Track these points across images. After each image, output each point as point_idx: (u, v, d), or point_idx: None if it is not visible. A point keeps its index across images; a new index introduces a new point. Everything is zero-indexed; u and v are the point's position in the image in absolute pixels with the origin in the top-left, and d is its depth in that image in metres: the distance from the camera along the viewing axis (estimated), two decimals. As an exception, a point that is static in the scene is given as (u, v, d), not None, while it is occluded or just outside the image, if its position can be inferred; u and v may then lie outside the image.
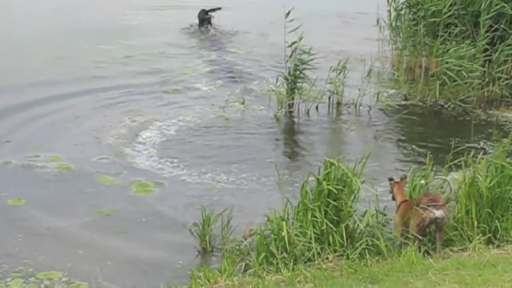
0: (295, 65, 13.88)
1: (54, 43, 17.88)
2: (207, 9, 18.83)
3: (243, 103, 14.28)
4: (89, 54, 17.11)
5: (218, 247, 9.16)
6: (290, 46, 13.70)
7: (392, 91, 14.94)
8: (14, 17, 20.27)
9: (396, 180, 9.18)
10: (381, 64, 16.50)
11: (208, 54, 17.53)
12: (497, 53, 15.12)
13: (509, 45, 15.14)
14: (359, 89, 14.11)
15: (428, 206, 8.49)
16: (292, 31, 13.58)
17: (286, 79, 13.99)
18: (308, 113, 13.99)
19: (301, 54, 13.82)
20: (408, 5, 16.36)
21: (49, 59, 16.63)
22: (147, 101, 14.42)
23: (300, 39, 13.61)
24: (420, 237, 8.55)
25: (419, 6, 16.02)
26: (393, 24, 16.63)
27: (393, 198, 9.16)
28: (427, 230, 8.77)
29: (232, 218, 9.29)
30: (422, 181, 9.39)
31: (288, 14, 13.43)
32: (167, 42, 18.50)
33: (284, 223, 8.55)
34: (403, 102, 14.55)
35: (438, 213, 8.50)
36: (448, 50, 14.76)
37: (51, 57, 16.76)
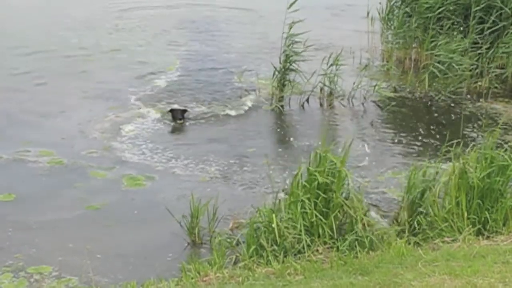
0: (286, 55, 13.88)
1: (40, 36, 17.82)
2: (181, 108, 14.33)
3: (239, 96, 14.26)
4: (75, 48, 17.06)
5: (208, 239, 9.18)
6: (286, 38, 13.73)
7: (383, 84, 14.94)
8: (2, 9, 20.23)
9: None
10: (371, 57, 16.51)
11: (195, 47, 17.49)
12: (487, 44, 15.12)
13: (504, 43, 15.12)
14: (354, 83, 14.12)
15: None
16: (291, 23, 13.60)
17: (278, 71, 13.98)
18: (299, 106, 14.00)
19: (293, 44, 13.82)
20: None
21: (35, 52, 16.57)
22: (133, 94, 14.37)
23: (291, 33, 13.62)
24: None
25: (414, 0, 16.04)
26: (386, 17, 16.64)
27: None
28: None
29: (224, 210, 9.31)
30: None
31: (291, 5, 13.45)
32: (154, 34, 18.47)
33: (274, 215, 8.56)
34: (393, 95, 14.58)
35: None
36: (439, 44, 14.76)
37: (37, 50, 16.70)
